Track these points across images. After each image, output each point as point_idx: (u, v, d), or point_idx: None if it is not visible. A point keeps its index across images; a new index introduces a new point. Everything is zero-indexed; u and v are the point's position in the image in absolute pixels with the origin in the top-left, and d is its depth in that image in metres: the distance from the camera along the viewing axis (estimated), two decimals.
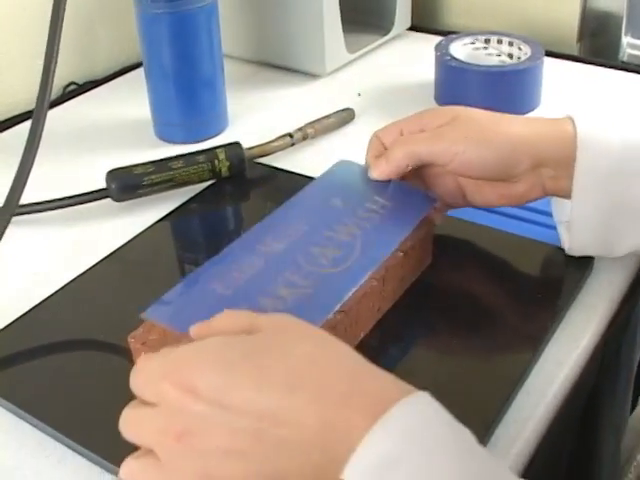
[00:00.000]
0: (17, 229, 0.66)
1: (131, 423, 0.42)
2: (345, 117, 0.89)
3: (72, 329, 0.61)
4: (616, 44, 1.09)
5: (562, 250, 0.64)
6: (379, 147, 0.64)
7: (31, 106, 0.98)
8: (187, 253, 0.71)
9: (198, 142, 0.88)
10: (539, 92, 0.91)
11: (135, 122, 0.94)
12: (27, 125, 0.93)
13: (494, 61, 0.94)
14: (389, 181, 0.62)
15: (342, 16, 0.99)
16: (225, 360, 0.40)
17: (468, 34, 0.96)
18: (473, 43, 0.96)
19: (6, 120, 0.97)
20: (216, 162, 0.77)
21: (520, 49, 0.93)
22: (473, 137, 0.60)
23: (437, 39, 1.03)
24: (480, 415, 0.51)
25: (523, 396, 0.54)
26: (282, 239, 0.56)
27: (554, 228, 0.66)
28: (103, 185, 0.76)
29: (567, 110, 0.90)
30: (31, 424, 0.54)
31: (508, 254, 0.67)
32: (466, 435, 0.39)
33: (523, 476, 0.48)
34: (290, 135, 0.83)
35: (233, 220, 0.78)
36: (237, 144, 0.78)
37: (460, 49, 0.94)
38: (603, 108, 0.92)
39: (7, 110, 0.98)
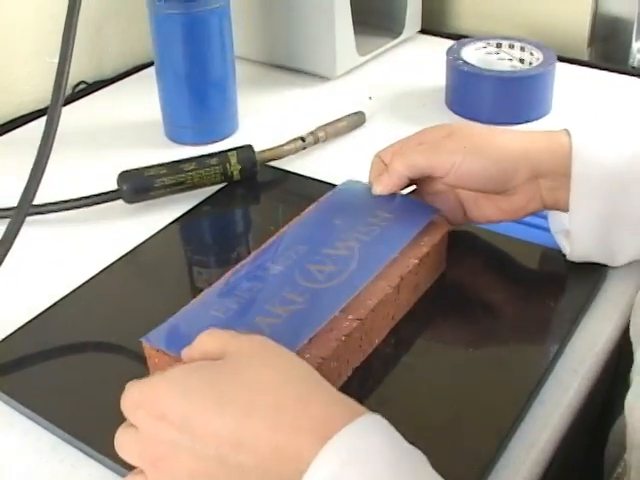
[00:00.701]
0: (28, 229, 0.65)
1: (120, 445, 0.44)
2: (356, 120, 0.89)
3: (86, 331, 0.61)
4: (626, 49, 1.09)
5: None
6: (381, 166, 0.65)
7: (40, 105, 0.99)
8: (199, 256, 0.71)
9: (209, 144, 0.88)
10: (550, 98, 0.91)
11: (145, 122, 0.94)
12: (36, 124, 0.95)
13: (506, 66, 0.94)
14: (391, 196, 0.63)
15: (353, 18, 0.99)
16: (189, 388, 0.42)
17: (480, 38, 0.96)
18: (485, 47, 0.95)
19: (15, 119, 0.97)
20: (228, 165, 0.76)
21: (532, 54, 0.92)
22: (471, 148, 0.61)
23: (447, 42, 1.03)
24: (496, 424, 0.51)
25: (538, 405, 0.54)
26: (282, 262, 0.57)
27: None
28: (113, 185, 0.76)
29: (578, 116, 0.90)
30: (46, 428, 0.54)
31: (521, 261, 0.68)
32: (415, 457, 0.40)
33: None
34: (302, 139, 0.83)
35: (245, 223, 0.78)
36: (249, 147, 0.78)
37: (472, 53, 0.94)
38: (612, 114, 0.92)
39: (16, 110, 0.98)
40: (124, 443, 0.44)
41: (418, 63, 1.07)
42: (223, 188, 0.78)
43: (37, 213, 0.74)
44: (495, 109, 0.89)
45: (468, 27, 1.17)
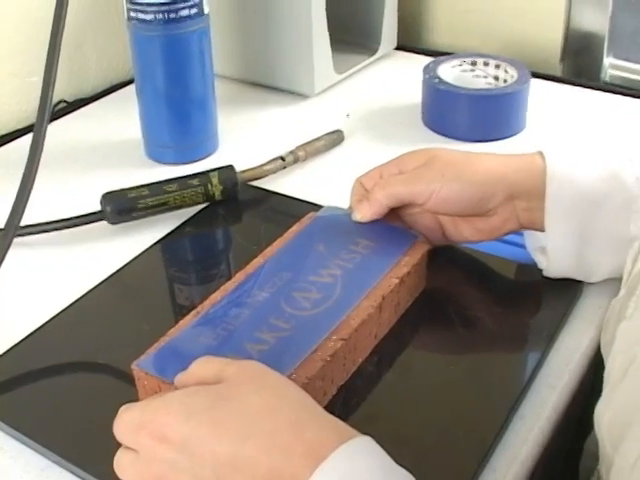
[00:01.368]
0: (10, 251, 0.66)
1: (119, 466, 0.46)
2: (335, 139, 0.90)
3: (73, 354, 0.62)
4: (598, 64, 1.11)
5: None
6: (361, 191, 0.67)
7: (19, 125, 0.99)
8: (183, 277, 0.72)
9: (189, 163, 0.89)
10: (525, 115, 0.93)
11: (125, 141, 0.95)
12: (15, 144, 0.95)
13: (481, 83, 0.96)
14: (371, 223, 0.65)
15: (330, 36, 1.00)
16: (188, 411, 0.43)
17: (455, 57, 0.98)
18: (460, 65, 0.97)
19: None
20: (209, 186, 0.77)
21: (507, 72, 0.94)
22: (448, 175, 0.62)
23: (423, 59, 1.06)
24: (478, 439, 0.53)
25: (518, 420, 0.55)
26: (267, 289, 0.59)
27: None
28: (95, 206, 0.77)
29: (552, 132, 0.92)
30: (35, 450, 0.54)
31: (499, 279, 0.69)
32: (403, 477, 0.42)
33: None
34: (282, 158, 0.84)
35: (227, 243, 0.79)
36: (230, 167, 0.79)
37: (448, 71, 0.96)
38: (585, 130, 0.94)
39: None
40: (124, 465, 0.45)
41: (394, 80, 1.09)
42: (205, 208, 0.79)
43: (19, 235, 0.75)
44: (471, 126, 0.91)
45: (443, 42, 1.19)
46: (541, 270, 0.66)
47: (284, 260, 0.62)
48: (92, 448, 0.53)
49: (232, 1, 1.02)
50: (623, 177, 0.62)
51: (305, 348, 0.53)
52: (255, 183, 0.82)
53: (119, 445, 0.46)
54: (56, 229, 0.76)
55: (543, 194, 0.62)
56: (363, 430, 0.44)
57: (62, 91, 1.05)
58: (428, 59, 1.00)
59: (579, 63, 1.13)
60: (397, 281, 0.60)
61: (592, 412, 0.50)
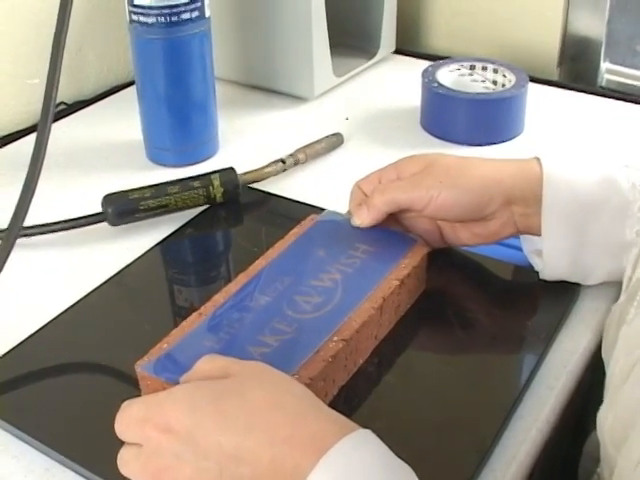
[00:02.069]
0: (12, 252, 0.66)
1: (122, 462, 0.47)
2: (335, 142, 0.91)
3: (76, 354, 0.62)
4: (595, 69, 1.12)
5: None
6: (360, 196, 0.68)
7: (19, 127, 1.00)
8: (184, 279, 0.73)
9: (190, 165, 0.89)
10: (523, 119, 0.94)
11: (125, 143, 0.96)
12: (16, 145, 0.96)
13: (479, 88, 0.97)
14: (370, 227, 0.66)
15: (329, 40, 1.01)
16: (194, 403, 0.44)
17: (453, 61, 0.99)
18: (459, 69, 0.98)
19: None
20: (211, 188, 0.78)
21: (505, 76, 0.95)
22: (446, 182, 0.63)
23: (421, 62, 1.06)
24: (477, 439, 0.53)
25: (517, 420, 0.56)
26: (269, 293, 0.60)
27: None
28: (95, 208, 0.77)
29: (549, 136, 0.93)
30: (38, 450, 0.55)
31: (496, 281, 0.70)
32: (405, 471, 0.43)
33: None
34: (282, 161, 0.85)
35: (228, 245, 0.80)
36: (231, 170, 0.80)
37: (446, 75, 0.96)
38: (582, 135, 0.95)
39: None
40: (127, 460, 0.46)
41: (393, 83, 1.10)
42: (206, 210, 0.80)
43: (21, 236, 0.75)
44: (469, 130, 0.92)
45: (441, 46, 1.20)
46: (537, 273, 0.67)
47: (285, 264, 0.63)
48: (96, 447, 0.53)
49: (233, 4, 1.03)
50: (619, 182, 0.63)
51: (307, 349, 0.54)
52: (256, 185, 0.83)
53: (122, 444, 0.47)
54: (57, 230, 0.76)
55: (540, 200, 0.62)
56: None
57: (62, 93, 1.04)
58: (426, 63, 1.01)
59: (576, 68, 1.14)
60: (397, 283, 0.61)
61: (590, 414, 0.51)
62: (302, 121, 1.00)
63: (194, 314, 0.58)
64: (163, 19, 0.82)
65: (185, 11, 0.82)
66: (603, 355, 0.57)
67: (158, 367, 0.53)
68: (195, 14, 0.83)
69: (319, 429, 0.43)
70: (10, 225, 0.61)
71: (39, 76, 1.02)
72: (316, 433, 0.42)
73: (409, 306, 0.64)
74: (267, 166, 0.84)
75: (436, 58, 1.04)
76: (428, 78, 0.94)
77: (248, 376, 0.46)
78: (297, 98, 1.05)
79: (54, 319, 0.65)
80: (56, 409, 0.57)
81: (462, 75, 0.98)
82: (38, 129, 0.61)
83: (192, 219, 0.78)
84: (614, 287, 0.67)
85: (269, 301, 0.59)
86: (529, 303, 0.67)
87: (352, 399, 0.57)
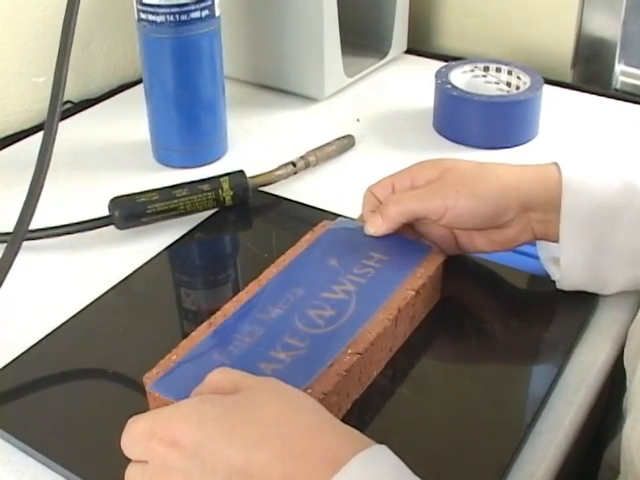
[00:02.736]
0: (18, 255, 0.65)
1: (130, 477, 0.45)
2: (346, 144, 0.89)
3: (82, 362, 0.61)
4: (609, 71, 1.11)
5: None
6: (373, 202, 0.66)
7: (25, 125, 0.99)
8: (193, 284, 0.71)
9: (198, 166, 0.88)
10: (537, 122, 0.92)
11: (132, 143, 0.94)
12: (23, 144, 0.94)
13: (492, 89, 0.95)
14: (384, 236, 0.64)
15: (340, 39, 0.99)
16: (201, 416, 0.43)
17: (467, 62, 0.97)
18: (472, 71, 0.96)
19: (1, 139, 0.97)
20: (220, 191, 0.76)
21: (519, 78, 0.93)
22: (463, 191, 0.62)
23: (433, 63, 1.05)
24: (495, 456, 0.52)
25: (536, 436, 0.55)
26: (281, 305, 0.58)
27: None
28: (102, 210, 0.76)
29: (565, 140, 0.91)
30: (42, 463, 0.53)
31: (513, 291, 0.68)
32: None
33: None
34: (293, 164, 0.83)
35: (238, 250, 0.78)
36: (241, 173, 0.78)
37: (459, 77, 0.95)
38: (598, 138, 0.93)
39: (1, 130, 0.98)
40: (134, 476, 0.44)
41: (404, 84, 1.08)
42: (215, 214, 0.78)
43: (27, 239, 0.74)
44: (483, 133, 0.90)
45: (453, 46, 1.18)
46: (554, 282, 0.65)
47: (297, 274, 0.61)
48: (103, 462, 0.52)
49: (243, 3, 1.01)
50: (638, 189, 0.61)
51: (320, 363, 0.52)
52: (266, 189, 0.81)
53: (129, 459, 0.45)
54: (64, 233, 0.75)
55: (558, 206, 0.61)
56: None
57: (68, 92, 1.02)
58: (438, 63, 0.99)
59: (590, 70, 1.12)
60: (413, 293, 0.59)
61: (607, 424, 0.50)
62: (312, 122, 0.99)
63: (204, 324, 0.56)
64: (172, 18, 0.80)
65: (195, 10, 0.80)
66: (625, 364, 0.55)
67: (167, 385, 0.51)
68: (205, 13, 0.81)
69: (333, 444, 0.41)
70: (15, 228, 0.59)
71: (45, 74, 1.00)
72: (330, 448, 0.41)
73: (424, 317, 0.63)
74: (277, 169, 0.82)
75: (448, 58, 1.02)
76: (441, 79, 0.92)
77: (259, 390, 0.45)
78: (307, 98, 1.03)
79: (60, 326, 0.64)
80: (62, 421, 0.56)
81: (476, 76, 0.96)
82: (44, 131, 0.60)
83: (201, 223, 0.77)
84: (633, 297, 0.66)
85: (280, 314, 0.57)
86: (546, 314, 0.66)
87: (366, 413, 0.55)
